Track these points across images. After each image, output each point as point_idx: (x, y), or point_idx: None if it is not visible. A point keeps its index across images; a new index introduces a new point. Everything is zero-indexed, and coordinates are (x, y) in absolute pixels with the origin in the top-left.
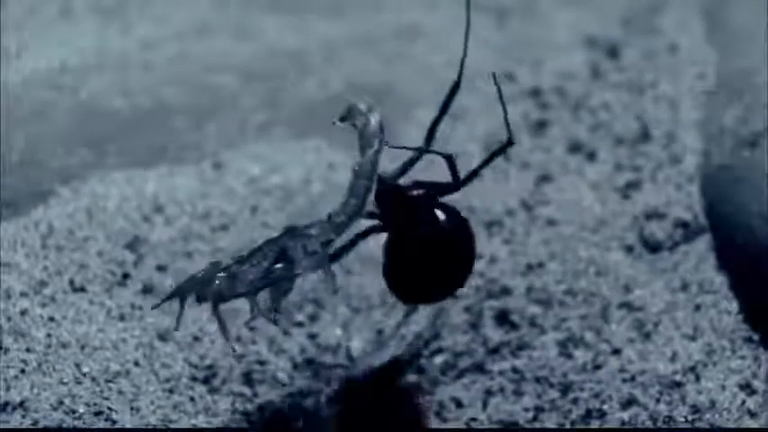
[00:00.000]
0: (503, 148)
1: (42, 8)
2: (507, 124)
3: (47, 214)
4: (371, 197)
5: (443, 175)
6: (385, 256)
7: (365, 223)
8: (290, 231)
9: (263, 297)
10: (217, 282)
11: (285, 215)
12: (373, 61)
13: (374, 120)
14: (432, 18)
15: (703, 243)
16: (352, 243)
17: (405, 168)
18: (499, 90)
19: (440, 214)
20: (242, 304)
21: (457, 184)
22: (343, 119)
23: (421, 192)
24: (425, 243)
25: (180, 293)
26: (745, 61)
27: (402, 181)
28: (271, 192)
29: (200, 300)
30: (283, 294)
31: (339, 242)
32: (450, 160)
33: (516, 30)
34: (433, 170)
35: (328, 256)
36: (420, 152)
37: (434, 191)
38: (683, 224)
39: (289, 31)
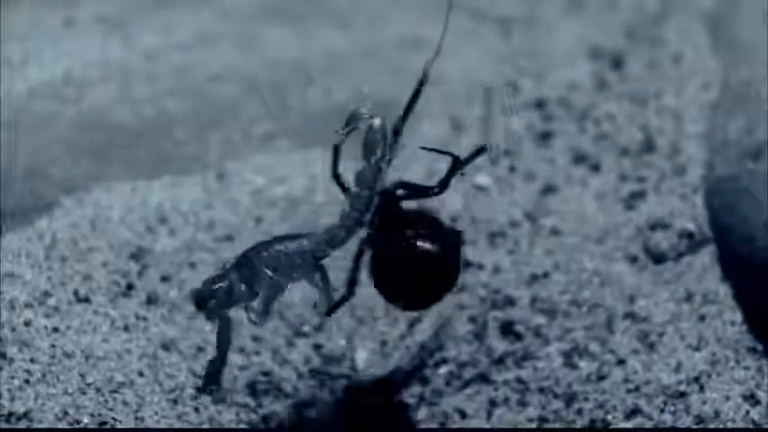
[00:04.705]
0: (475, 154)
1: (46, 19)
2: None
3: (51, 225)
4: (373, 209)
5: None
6: (372, 256)
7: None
8: (284, 238)
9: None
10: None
11: (289, 226)
12: (378, 72)
13: (376, 125)
14: (436, 30)
15: (707, 253)
16: (357, 265)
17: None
18: (509, 101)
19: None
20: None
21: (442, 187)
22: (345, 126)
23: (410, 203)
24: (408, 249)
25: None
26: (749, 72)
27: (385, 181)
28: (275, 202)
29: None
30: (273, 298)
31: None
32: (456, 162)
33: (520, 41)
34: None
35: (326, 272)
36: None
37: (418, 193)
38: (688, 235)
39: (292, 41)
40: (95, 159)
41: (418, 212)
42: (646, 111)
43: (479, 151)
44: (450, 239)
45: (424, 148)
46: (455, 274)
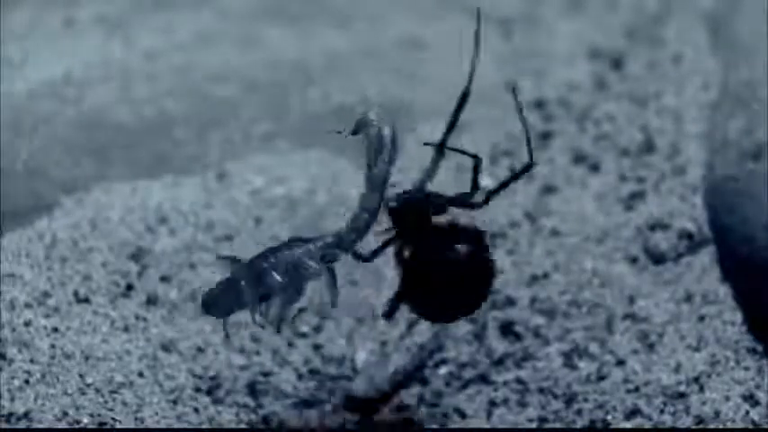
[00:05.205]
0: (524, 170)
1: (46, 19)
2: (529, 145)
3: (51, 225)
4: (382, 211)
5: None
6: (403, 270)
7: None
8: (293, 243)
9: (270, 306)
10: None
11: (289, 226)
12: (377, 73)
13: (387, 130)
14: (436, 30)
15: (707, 254)
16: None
17: (424, 182)
18: (521, 113)
19: (462, 236)
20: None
21: (473, 191)
22: (355, 132)
23: (445, 213)
24: (447, 263)
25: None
26: (749, 72)
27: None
28: (275, 203)
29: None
30: (290, 303)
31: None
32: (477, 162)
33: (520, 41)
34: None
35: (335, 275)
36: (438, 157)
37: (456, 205)
38: (687, 235)
39: (292, 41)
40: (95, 159)
41: (456, 225)
42: (646, 111)
43: (527, 168)
44: (484, 250)
45: (451, 149)
46: (488, 287)
